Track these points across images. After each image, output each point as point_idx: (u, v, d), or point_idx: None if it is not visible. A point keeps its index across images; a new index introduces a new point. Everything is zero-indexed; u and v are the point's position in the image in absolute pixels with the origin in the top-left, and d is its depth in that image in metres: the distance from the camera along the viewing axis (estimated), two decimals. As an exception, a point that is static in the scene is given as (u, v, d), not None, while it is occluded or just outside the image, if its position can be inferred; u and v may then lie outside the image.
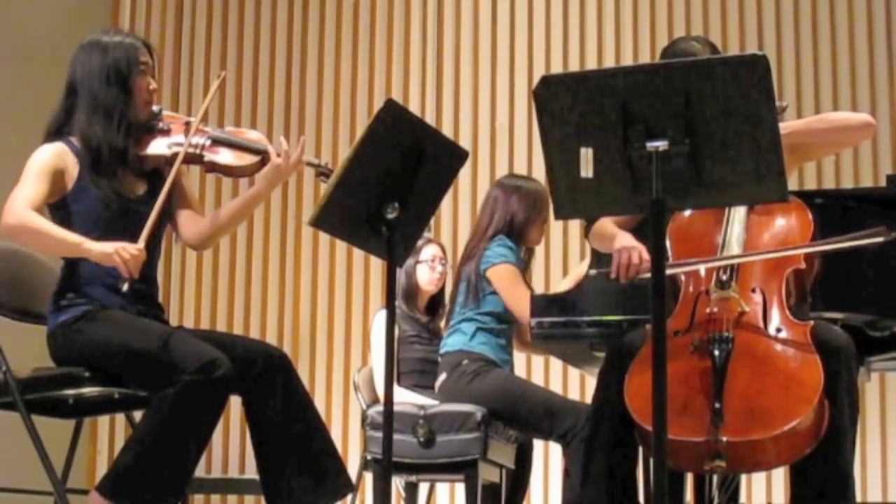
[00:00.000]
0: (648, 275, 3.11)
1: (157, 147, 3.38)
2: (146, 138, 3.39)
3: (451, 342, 4.31)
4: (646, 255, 3.15)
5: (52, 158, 3.29)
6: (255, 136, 3.47)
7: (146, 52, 3.41)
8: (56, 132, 3.36)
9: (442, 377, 4.28)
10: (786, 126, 3.30)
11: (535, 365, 5.87)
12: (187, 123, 3.43)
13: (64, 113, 3.37)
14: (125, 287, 3.12)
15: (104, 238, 3.22)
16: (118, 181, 3.32)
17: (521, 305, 4.17)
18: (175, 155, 3.33)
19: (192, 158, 3.38)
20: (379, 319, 4.52)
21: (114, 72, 3.33)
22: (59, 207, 3.31)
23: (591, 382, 3.43)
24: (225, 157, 3.39)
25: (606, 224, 3.45)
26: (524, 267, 4.41)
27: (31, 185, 3.23)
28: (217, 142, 3.40)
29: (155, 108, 3.42)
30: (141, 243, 3.14)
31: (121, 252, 3.08)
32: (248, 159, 3.40)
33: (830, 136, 3.47)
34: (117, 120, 3.31)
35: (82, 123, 3.32)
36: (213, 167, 3.40)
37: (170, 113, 3.47)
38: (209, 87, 6.50)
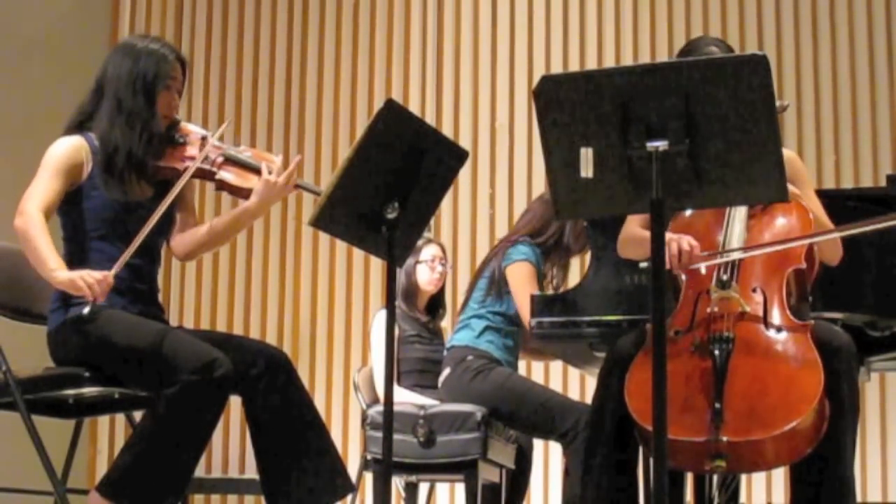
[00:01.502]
0: (703, 263, 3.09)
1: (172, 159, 3.38)
2: (162, 149, 3.38)
3: (459, 337, 4.33)
4: (694, 242, 3.10)
5: (68, 154, 3.29)
6: (270, 158, 3.42)
7: (178, 66, 3.41)
8: (78, 126, 3.37)
9: (446, 371, 4.29)
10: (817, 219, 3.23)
11: (535, 364, 5.86)
12: (204, 138, 3.42)
13: (89, 109, 3.38)
14: (86, 311, 3.13)
15: (107, 237, 3.27)
16: (127, 184, 3.32)
17: (526, 308, 4.19)
18: (186, 169, 3.33)
19: (203, 174, 3.38)
20: (379, 319, 4.52)
21: (141, 80, 3.33)
22: (72, 204, 3.31)
23: (591, 382, 3.43)
24: (235, 177, 3.39)
25: (634, 228, 3.35)
26: (559, 284, 4.42)
27: (47, 184, 3.24)
28: (229, 161, 3.40)
29: (176, 116, 3.42)
30: (113, 270, 3.13)
31: (85, 277, 3.08)
32: (255, 182, 3.38)
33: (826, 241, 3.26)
34: (140, 129, 3.32)
35: (104, 125, 3.33)
36: (221, 185, 3.40)
37: (186, 125, 3.46)
38: (209, 89, 6.57)
